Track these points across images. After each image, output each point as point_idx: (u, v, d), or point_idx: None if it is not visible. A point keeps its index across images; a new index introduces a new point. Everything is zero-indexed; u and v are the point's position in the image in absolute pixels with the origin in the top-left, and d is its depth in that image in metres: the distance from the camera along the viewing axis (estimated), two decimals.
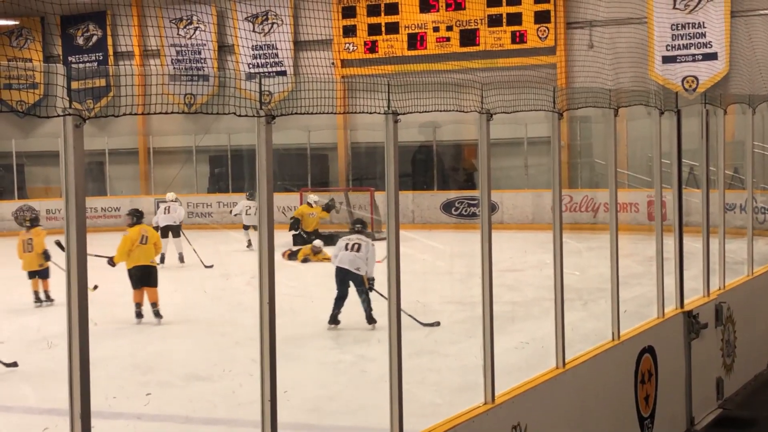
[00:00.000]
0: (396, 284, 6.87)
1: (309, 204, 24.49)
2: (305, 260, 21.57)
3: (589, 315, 13.40)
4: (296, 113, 6.42)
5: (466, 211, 28.52)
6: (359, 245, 14.15)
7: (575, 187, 28.12)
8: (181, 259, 22.36)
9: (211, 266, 21.33)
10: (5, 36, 34.77)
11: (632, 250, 18.49)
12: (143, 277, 15.21)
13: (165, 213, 22.97)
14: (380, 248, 21.15)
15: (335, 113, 6.92)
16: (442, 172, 30.39)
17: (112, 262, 15.48)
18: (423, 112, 6.96)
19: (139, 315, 15.18)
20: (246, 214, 25.35)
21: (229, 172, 31.94)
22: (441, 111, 7.17)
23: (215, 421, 9.74)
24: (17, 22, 34.11)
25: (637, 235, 19.64)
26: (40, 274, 16.79)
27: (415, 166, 30.17)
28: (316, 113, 6.57)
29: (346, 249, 14.17)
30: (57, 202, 28.48)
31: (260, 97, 6.09)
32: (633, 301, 11.48)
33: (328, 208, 24.84)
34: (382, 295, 12.72)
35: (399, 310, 6.96)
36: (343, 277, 14.11)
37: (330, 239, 22.11)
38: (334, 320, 14.14)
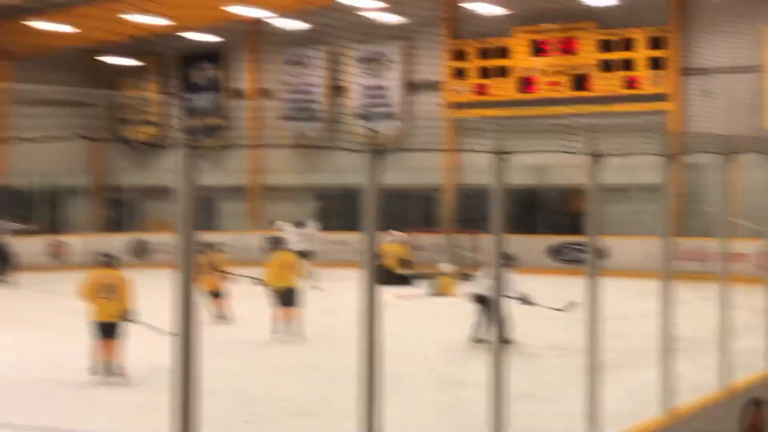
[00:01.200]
0: (498, 326, 6.84)
1: (390, 241, 24.51)
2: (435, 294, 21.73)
3: (697, 365, 13.10)
4: (403, 150, 6.48)
5: (573, 256, 28.22)
6: None
7: (686, 235, 27.59)
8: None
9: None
10: (126, 75, 35.80)
11: (743, 302, 18.05)
12: (288, 297, 16.90)
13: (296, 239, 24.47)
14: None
15: (442, 150, 6.98)
16: (550, 216, 30.15)
17: (262, 283, 17.36)
18: (530, 152, 6.96)
19: (275, 331, 16.71)
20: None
21: (336, 210, 32.17)
22: (549, 152, 7.16)
23: None
24: (139, 62, 35.09)
25: (749, 286, 19.17)
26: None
27: (521, 209, 30.00)
28: (423, 150, 6.63)
29: (485, 276, 15.79)
30: (169, 236, 29.04)
31: (369, 133, 6.17)
32: (742, 353, 11.19)
33: (403, 263, 25.00)
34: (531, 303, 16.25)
35: (501, 353, 6.92)
36: (481, 302, 15.70)
37: (405, 280, 22.72)
38: (475, 339, 15.83)
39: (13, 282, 25.74)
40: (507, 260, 16.35)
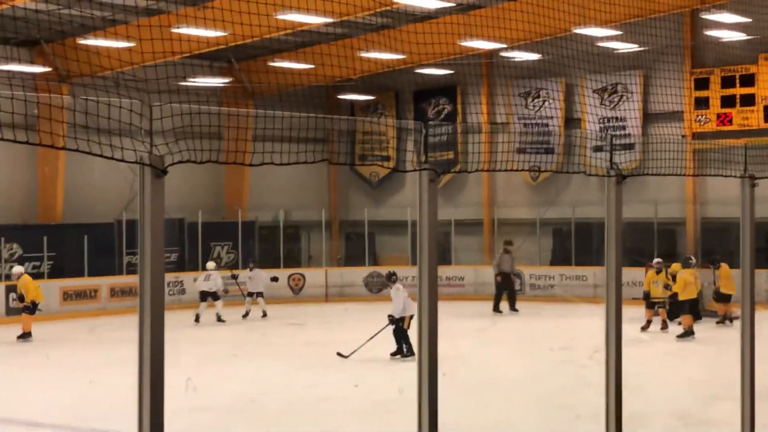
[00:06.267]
0: (750, 362, 6.41)
1: (655, 270, 23.02)
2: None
3: None
4: (648, 174, 6.20)
5: None
6: None
7: None
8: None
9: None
10: (361, 111, 36.59)
11: None
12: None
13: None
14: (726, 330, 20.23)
15: (686, 175, 6.66)
16: None
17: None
18: None
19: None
20: (204, 280, 23.98)
21: (572, 244, 31.60)
22: None
23: None
24: (374, 98, 35.79)
25: None
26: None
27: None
28: (667, 174, 6.31)
29: None
30: (405, 269, 29.21)
31: (611, 156, 5.93)
32: None
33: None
34: None
35: (753, 391, 6.48)
36: None
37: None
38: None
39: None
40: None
